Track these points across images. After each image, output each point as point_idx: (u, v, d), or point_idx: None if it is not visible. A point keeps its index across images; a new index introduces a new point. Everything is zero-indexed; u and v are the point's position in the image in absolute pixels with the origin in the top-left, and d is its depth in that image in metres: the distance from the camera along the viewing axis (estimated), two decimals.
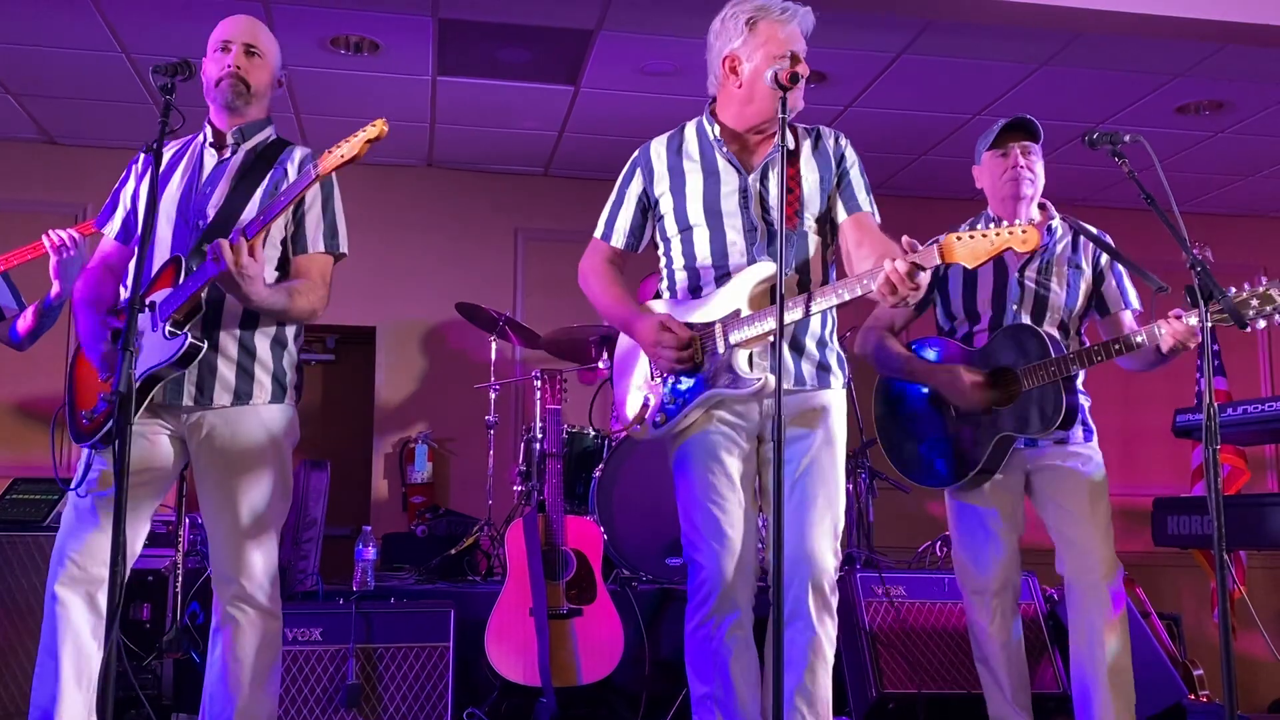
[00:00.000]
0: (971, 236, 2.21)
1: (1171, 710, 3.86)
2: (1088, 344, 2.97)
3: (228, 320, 2.58)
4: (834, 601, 2.50)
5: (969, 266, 2.29)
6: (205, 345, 2.49)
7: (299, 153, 2.70)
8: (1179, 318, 2.72)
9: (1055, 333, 3.00)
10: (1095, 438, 3.06)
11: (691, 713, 2.59)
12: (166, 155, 2.67)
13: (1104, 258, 3.04)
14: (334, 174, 2.52)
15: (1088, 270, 3.08)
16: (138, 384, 2.43)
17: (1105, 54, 4.50)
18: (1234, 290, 2.67)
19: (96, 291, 2.65)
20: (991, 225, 2.26)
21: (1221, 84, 4.87)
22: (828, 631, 2.48)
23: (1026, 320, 2.99)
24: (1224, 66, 4.66)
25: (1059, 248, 3.07)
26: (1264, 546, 4.29)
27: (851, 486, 4.57)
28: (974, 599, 3.05)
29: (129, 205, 2.70)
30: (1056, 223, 3.09)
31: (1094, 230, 2.97)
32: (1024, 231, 2.20)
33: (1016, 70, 4.73)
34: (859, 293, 2.34)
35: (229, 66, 2.61)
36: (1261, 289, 2.64)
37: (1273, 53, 4.47)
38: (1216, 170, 5.87)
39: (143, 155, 2.69)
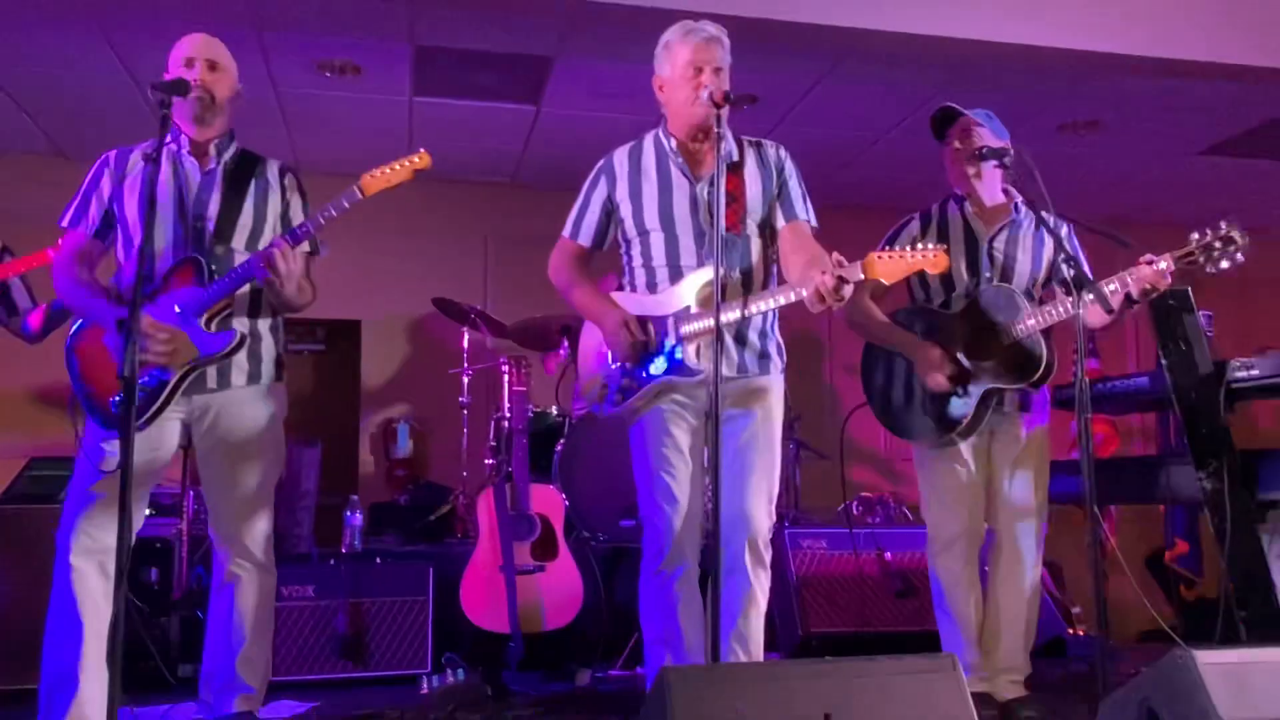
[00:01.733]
0: (891, 256, 2.28)
1: (1053, 642, 3.96)
2: None
3: (238, 310, 2.56)
4: (768, 557, 2.53)
5: (886, 282, 2.34)
6: (249, 338, 2.50)
7: (274, 164, 2.68)
8: (1150, 263, 2.60)
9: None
10: (1048, 408, 2.99)
11: (644, 653, 2.61)
12: (134, 161, 2.58)
13: (1063, 230, 2.89)
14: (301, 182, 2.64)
15: (1049, 243, 2.96)
16: (181, 373, 2.44)
17: (995, 80, 4.56)
18: (1196, 236, 2.58)
19: (89, 282, 2.56)
20: (908, 248, 2.30)
21: (1095, 105, 4.94)
22: (761, 583, 2.51)
23: None
24: (1097, 90, 4.73)
25: (1025, 223, 2.97)
26: (1131, 501, 4.38)
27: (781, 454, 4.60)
28: (948, 547, 2.90)
29: (106, 203, 2.58)
30: (1020, 203, 2.97)
31: (1049, 217, 2.74)
32: (934, 255, 2.27)
33: (921, 93, 4.78)
34: (792, 298, 2.37)
35: (195, 81, 2.54)
36: (1223, 231, 2.56)
37: (1137, 80, 4.55)
38: (1094, 181, 5.95)
39: (113, 156, 2.61)
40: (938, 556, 2.95)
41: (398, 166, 2.44)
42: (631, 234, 2.61)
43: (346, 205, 2.46)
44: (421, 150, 2.46)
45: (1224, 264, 2.57)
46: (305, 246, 2.63)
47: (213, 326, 2.46)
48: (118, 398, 2.47)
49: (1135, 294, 2.61)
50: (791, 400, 4.64)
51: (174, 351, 2.43)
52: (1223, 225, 2.59)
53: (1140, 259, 2.63)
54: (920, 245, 2.29)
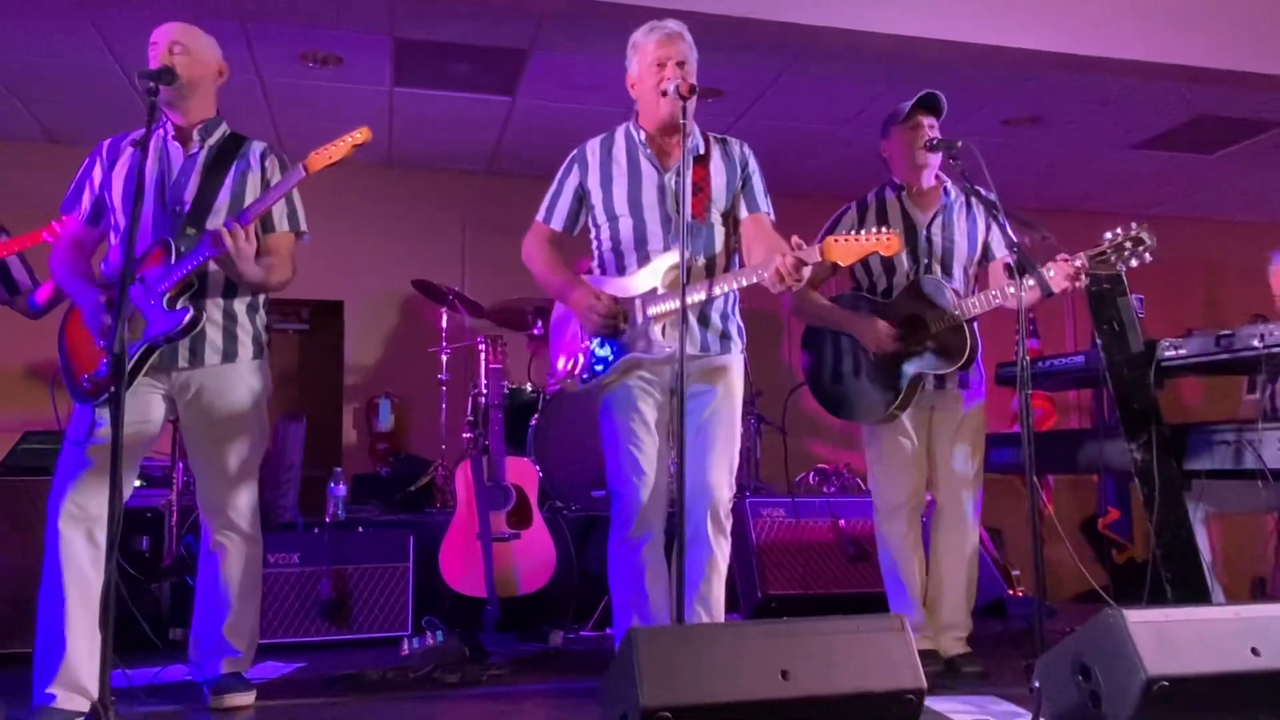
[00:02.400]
0: (847, 239, 2.29)
1: (994, 603, 4.02)
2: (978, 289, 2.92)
3: (212, 291, 2.51)
4: (729, 525, 2.54)
5: (842, 264, 2.34)
6: (205, 317, 2.44)
7: (257, 146, 2.61)
8: (1067, 260, 2.63)
9: (960, 280, 2.95)
10: (984, 385, 3.02)
11: (613, 615, 2.62)
12: (125, 149, 2.54)
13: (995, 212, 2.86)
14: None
15: (981, 223, 2.99)
16: (142, 349, 2.37)
17: (945, 76, 4.57)
18: (1109, 236, 2.61)
19: (79, 267, 2.54)
20: (863, 231, 2.30)
21: (1037, 101, 4.96)
22: (723, 550, 2.53)
23: (938, 270, 2.92)
24: (1039, 87, 4.76)
25: (956, 206, 2.99)
26: (1067, 471, 4.44)
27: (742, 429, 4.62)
28: (894, 514, 2.94)
29: (96, 191, 2.55)
30: (950, 185, 2.99)
31: (983, 191, 2.74)
32: (888, 238, 2.28)
33: (875, 87, 4.79)
34: (754, 280, 2.38)
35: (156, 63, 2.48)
36: (1134, 232, 2.60)
37: (1076, 77, 4.58)
38: (1036, 172, 5.99)
39: (106, 145, 2.57)
40: (884, 523, 2.99)
41: (340, 144, 2.38)
42: (601, 219, 2.60)
43: (293, 183, 2.41)
44: (363, 127, 2.40)
45: (1133, 262, 2.61)
46: (285, 226, 2.59)
47: (177, 304, 2.40)
48: (87, 375, 2.43)
49: (1056, 290, 2.62)
50: (753, 377, 4.69)
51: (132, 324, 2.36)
52: (1133, 226, 2.63)
53: (1057, 256, 2.66)
54: (874, 229, 2.30)
